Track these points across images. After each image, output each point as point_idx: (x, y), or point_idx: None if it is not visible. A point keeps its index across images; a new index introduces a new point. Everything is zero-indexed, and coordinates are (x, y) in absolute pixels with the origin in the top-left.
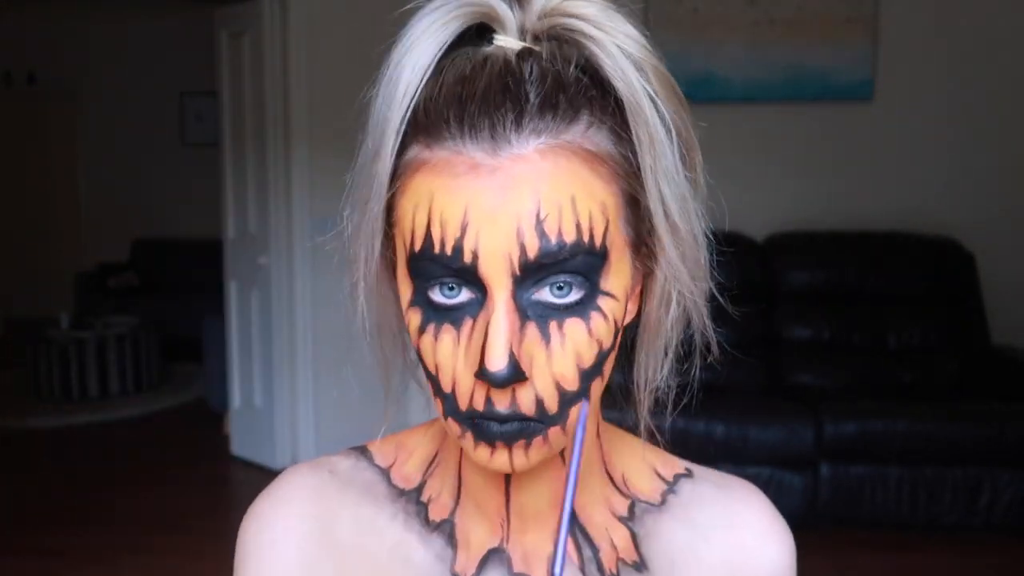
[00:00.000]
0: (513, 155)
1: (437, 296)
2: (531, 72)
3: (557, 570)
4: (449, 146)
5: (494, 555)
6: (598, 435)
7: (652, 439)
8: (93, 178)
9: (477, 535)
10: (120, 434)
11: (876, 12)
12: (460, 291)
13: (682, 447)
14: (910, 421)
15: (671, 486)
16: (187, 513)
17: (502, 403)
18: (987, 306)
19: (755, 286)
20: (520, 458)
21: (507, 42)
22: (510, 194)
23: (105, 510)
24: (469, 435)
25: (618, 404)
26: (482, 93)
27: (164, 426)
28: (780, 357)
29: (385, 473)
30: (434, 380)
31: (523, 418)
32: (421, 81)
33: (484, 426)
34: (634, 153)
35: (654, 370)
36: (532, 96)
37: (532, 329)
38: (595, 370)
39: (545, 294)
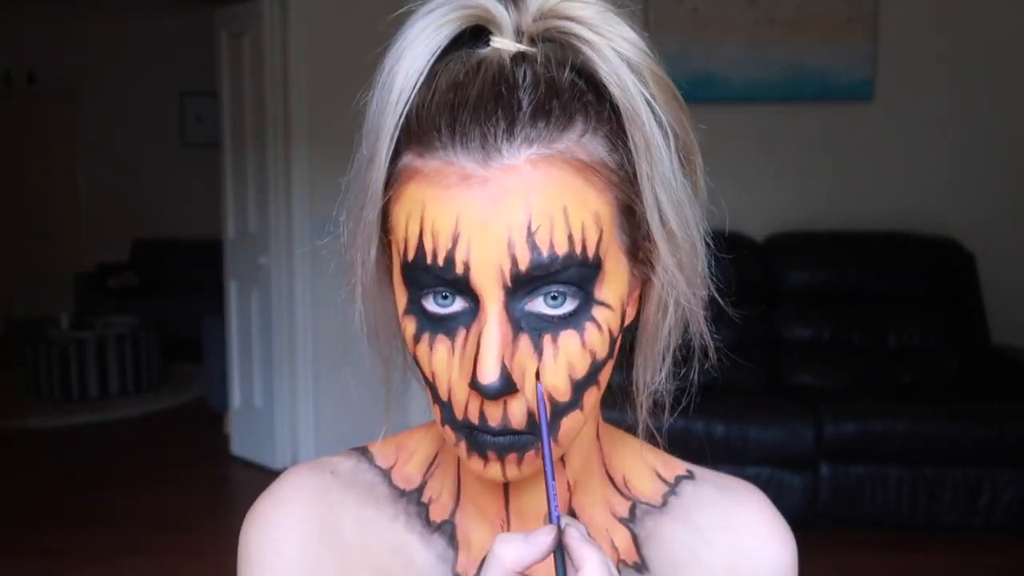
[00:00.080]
0: (504, 166)
1: (431, 305)
2: (525, 78)
3: (554, 516)
4: (440, 156)
5: None
6: (598, 436)
7: (651, 440)
8: (93, 178)
9: (478, 536)
10: (120, 434)
11: (876, 12)
12: (454, 300)
13: (682, 447)
14: (910, 421)
15: (672, 487)
16: (187, 513)
17: (494, 418)
18: (987, 306)
19: (755, 286)
20: (512, 470)
21: (503, 44)
22: (501, 205)
23: (105, 510)
24: (463, 444)
25: (618, 404)
26: (474, 101)
27: (164, 426)
28: (780, 357)
29: (386, 474)
30: (432, 387)
31: (514, 432)
32: (414, 87)
33: (478, 437)
34: (630, 159)
35: (652, 373)
36: (525, 103)
37: (525, 341)
38: (588, 380)
39: (539, 304)
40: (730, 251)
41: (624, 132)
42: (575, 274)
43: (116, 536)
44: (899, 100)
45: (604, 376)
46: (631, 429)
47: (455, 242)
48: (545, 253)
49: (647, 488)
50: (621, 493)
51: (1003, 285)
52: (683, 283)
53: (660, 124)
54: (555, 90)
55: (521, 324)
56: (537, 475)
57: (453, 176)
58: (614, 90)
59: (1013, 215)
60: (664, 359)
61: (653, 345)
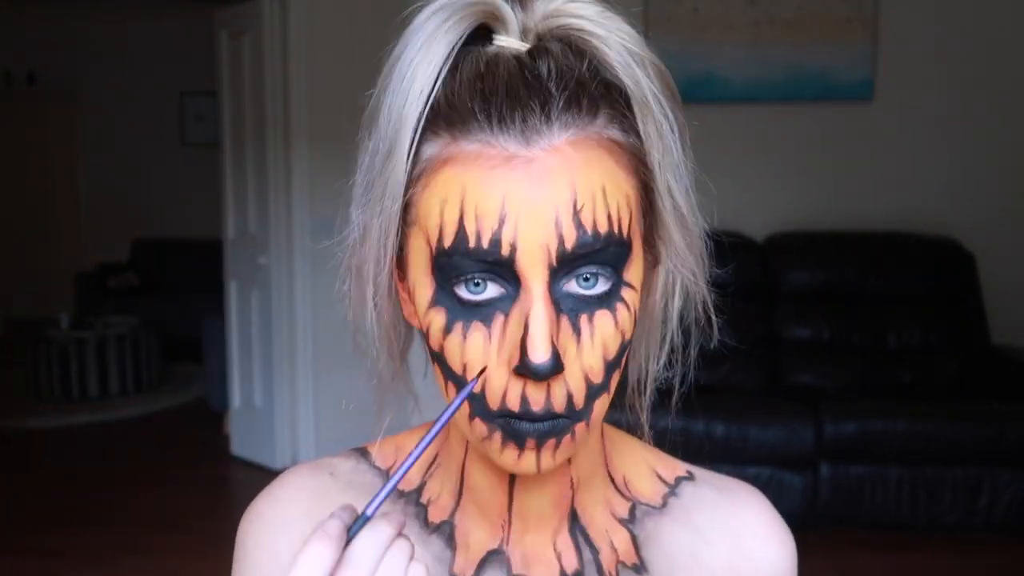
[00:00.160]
0: (547, 146)
1: (464, 293)
2: (549, 70)
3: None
4: (480, 138)
5: (493, 556)
6: (601, 435)
7: (656, 439)
8: (93, 178)
9: (477, 536)
10: (120, 434)
11: (876, 12)
12: (486, 287)
13: (682, 447)
14: (910, 421)
15: (672, 488)
16: (187, 513)
17: (537, 403)
18: (987, 306)
19: (755, 286)
20: (547, 459)
21: (509, 42)
22: (547, 185)
23: (105, 510)
24: (498, 435)
25: (617, 404)
26: (505, 88)
27: (164, 426)
28: (780, 357)
29: (385, 475)
30: (460, 381)
31: (555, 416)
32: (438, 77)
33: (516, 426)
34: (641, 148)
35: (652, 361)
36: (555, 91)
37: (565, 322)
38: (617, 361)
39: (573, 286)
40: (730, 251)
41: (634, 121)
42: (612, 254)
43: (116, 536)
44: (899, 100)
45: (625, 359)
46: (631, 429)
47: (501, 223)
48: (590, 232)
49: (647, 489)
50: (621, 494)
51: (1003, 285)
52: (693, 264)
53: (665, 115)
54: (581, 81)
55: (560, 305)
56: (543, 476)
57: (496, 157)
58: (627, 81)
59: (1013, 215)
60: (663, 345)
61: (655, 331)
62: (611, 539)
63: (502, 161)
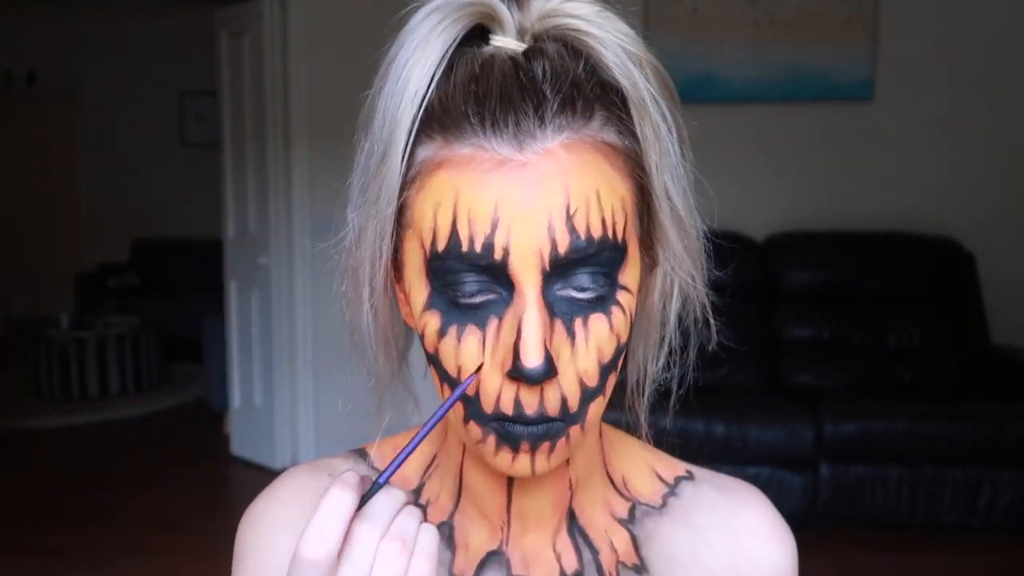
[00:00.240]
0: (540, 150)
1: (458, 297)
2: (544, 71)
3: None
4: (472, 142)
5: (493, 557)
6: (600, 436)
7: (654, 439)
8: (93, 178)
9: (476, 537)
10: (120, 434)
11: (876, 12)
12: (480, 290)
13: (682, 447)
14: (910, 421)
15: (672, 488)
16: (187, 513)
17: (531, 406)
18: (987, 306)
19: (755, 286)
20: (542, 462)
21: (505, 43)
22: (540, 189)
23: (105, 510)
24: (492, 439)
25: (616, 404)
26: (499, 90)
27: (164, 426)
28: (780, 357)
29: None
30: (455, 383)
31: (549, 419)
32: (432, 79)
33: (510, 429)
34: (638, 149)
35: (650, 363)
36: (549, 94)
37: (559, 326)
38: (612, 365)
39: (567, 289)
40: (730, 251)
41: (631, 123)
42: (606, 258)
43: (116, 536)
44: (899, 100)
45: (621, 362)
46: (630, 429)
47: (494, 227)
48: (583, 236)
49: (646, 489)
50: (621, 494)
51: (1003, 285)
52: (690, 266)
53: (663, 116)
54: (576, 83)
55: (554, 309)
56: (543, 477)
57: (489, 161)
58: (624, 82)
59: (1013, 215)
60: (661, 347)
61: (653, 333)
62: (611, 539)
63: (495, 165)
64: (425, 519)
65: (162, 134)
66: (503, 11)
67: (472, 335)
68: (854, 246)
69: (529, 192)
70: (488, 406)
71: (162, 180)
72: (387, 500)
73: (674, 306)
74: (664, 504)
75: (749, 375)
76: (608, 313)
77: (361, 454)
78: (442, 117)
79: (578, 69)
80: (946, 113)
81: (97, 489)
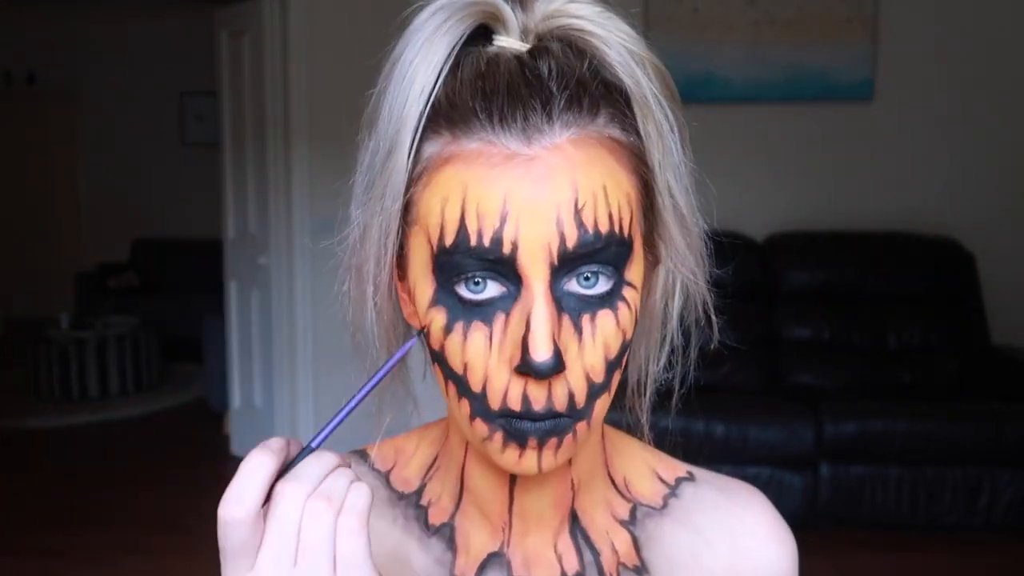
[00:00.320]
0: (548, 144)
1: (465, 292)
2: (550, 69)
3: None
4: (481, 136)
5: (494, 559)
6: (601, 436)
7: (656, 440)
8: (93, 178)
9: (477, 539)
10: (120, 434)
11: (876, 12)
12: (486, 286)
13: (682, 447)
14: (910, 421)
15: (672, 489)
16: (187, 513)
17: (539, 402)
18: (987, 306)
19: (755, 286)
20: (549, 459)
21: (509, 43)
22: (548, 183)
23: (105, 510)
24: (499, 436)
25: (617, 404)
26: (505, 87)
27: (164, 426)
28: (780, 357)
29: (384, 477)
30: (460, 381)
31: (556, 415)
32: (439, 76)
33: (517, 425)
34: (641, 147)
35: (652, 362)
36: (556, 90)
37: (566, 321)
38: (617, 362)
39: (574, 285)
40: (730, 251)
41: (634, 121)
42: (613, 253)
43: (116, 536)
44: (899, 100)
45: (625, 359)
46: (631, 429)
47: (503, 221)
48: (591, 231)
49: (647, 490)
50: (622, 495)
51: (1003, 285)
52: (692, 264)
53: (665, 114)
54: (581, 80)
55: (561, 304)
56: (543, 477)
57: (497, 156)
58: (627, 81)
59: (1013, 215)
60: (663, 345)
61: (654, 332)
62: (612, 540)
63: (503, 159)
64: (426, 520)
65: (162, 134)
66: (507, 11)
67: (478, 331)
68: (854, 246)
69: (537, 186)
70: (495, 403)
71: (162, 180)
72: (315, 463)
73: (676, 304)
74: (665, 505)
75: (749, 375)
76: (615, 309)
77: (361, 455)
78: (449, 112)
79: (583, 68)
80: (946, 113)
81: (97, 489)
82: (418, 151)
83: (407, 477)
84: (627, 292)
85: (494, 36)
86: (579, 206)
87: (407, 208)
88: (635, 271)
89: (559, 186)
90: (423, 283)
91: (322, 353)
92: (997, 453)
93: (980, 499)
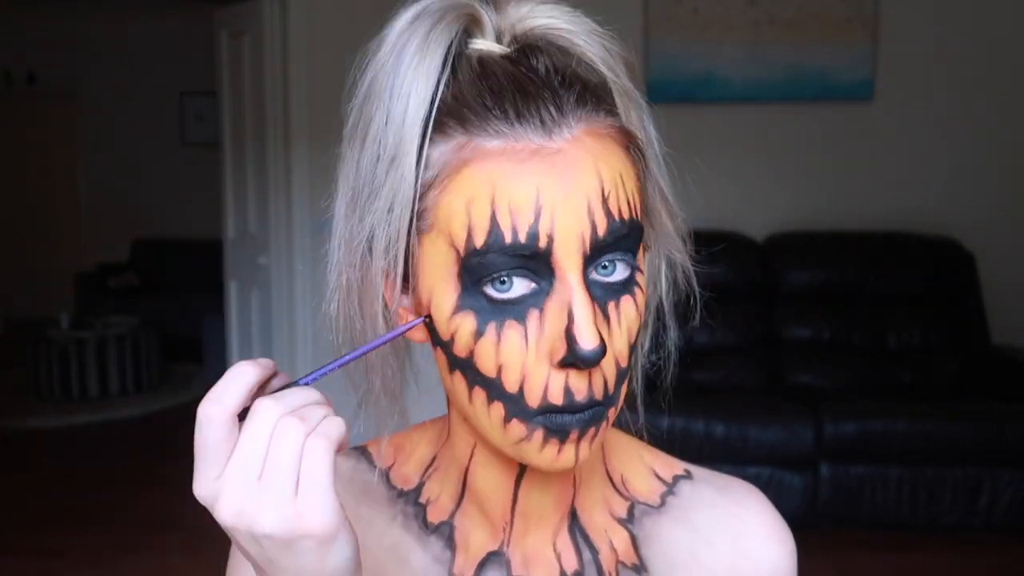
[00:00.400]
0: (568, 136)
1: (494, 292)
2: (547, 67)
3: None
4: (502, 132)
5: (493, 558)
6: None
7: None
8: (93, 178)
9: (477, 537)
10: (120, 434)
11: (876, 12)
12: (513, 284)
13: (682, 447)
14: (910, 421)
15: (670, 488)
16: (187, 513)
17: (581, 392)
18: (987, 306)
19: (755, 286)
20: (585, 450)
21: (487, 45)
22: (576, 175)
23: (105, 510)
24: (538, 434)
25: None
26: (512, 84)
27: (164, 426)
28: (780, 357)
29: (384, 474)
30: (492, 384)
31: (596, 403)
32: (440, 81)
33: (559, 420)
34: (632, 136)
35: (639, 349)
36: (560, 86)
37: (597, 309)
38: (635, 345)
39: (595, 274)
40: (731, 251)
41: (618, 112)
42: (633, 240)
43: (116, 536)
44: (899, 100)
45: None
46: (628, 428)
47: (537, 215)
48: (617, 218)
49: (645, 488)
50: (619, 493)
51: (1003, 285)
52: (680, 245)
53: (641, 105)
54: (579, 76)
55: (591, 293)
56: (550, 474)
57: (523, 151)
58: (609, 75)
59: (1013, 215)
60: (646, 333)
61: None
62: (610, 539)
63: (529, 155)
64: (425, 518)
65: (162, 134)
66: (484, 14)
67: (512, 329)
68: (854, 246)
69: (567, 178)
70: (534, 400)
71: (162, 180)
72: (300, 392)
73: (663, 287)
74: (663, 503)
75: (749, 375)
76: (633, 295)
77: (362, 452)
78: (460, 112)
79: (574, 65)
80: (946, 113)
81: (97, 489)
82: (426, 157)
83: (406, 475)
84: (639, 277)
85: (470, 39)
86: (605, 195)
87: (417, 216)
88: (641, 257)
89: (586, 177)
90: (442, 290)
91: (322, 353)
92: (997, 453)
93: (980, 499)
